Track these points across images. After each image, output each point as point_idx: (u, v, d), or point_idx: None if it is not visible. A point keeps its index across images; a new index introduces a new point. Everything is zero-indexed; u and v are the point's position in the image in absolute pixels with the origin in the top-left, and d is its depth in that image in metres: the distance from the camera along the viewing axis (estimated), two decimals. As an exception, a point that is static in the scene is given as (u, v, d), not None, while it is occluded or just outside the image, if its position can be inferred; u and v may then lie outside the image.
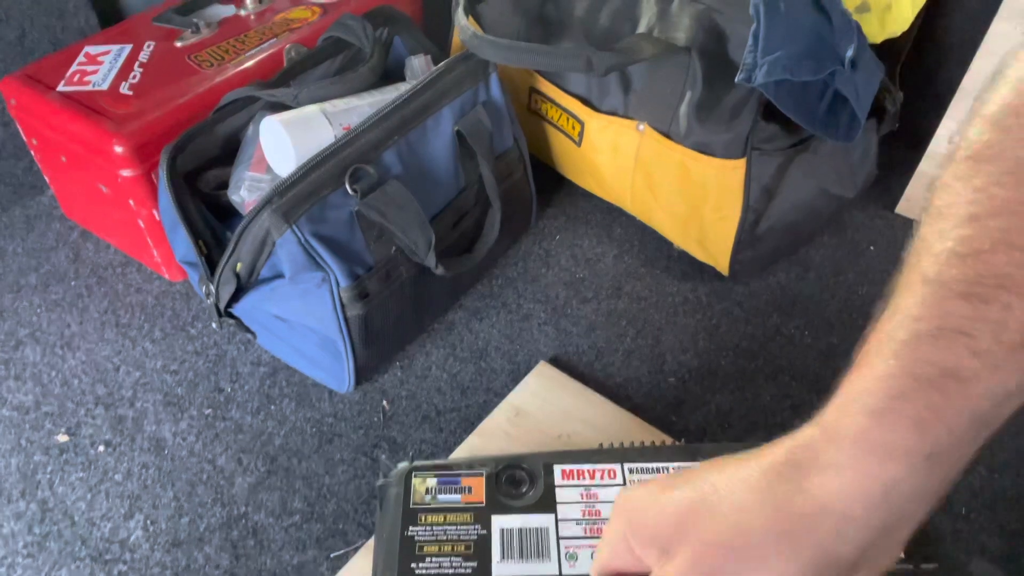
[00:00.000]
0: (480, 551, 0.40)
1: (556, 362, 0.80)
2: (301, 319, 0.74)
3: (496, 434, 0.72)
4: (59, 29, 0.98)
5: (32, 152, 0.93)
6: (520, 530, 0.40)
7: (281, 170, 0.74)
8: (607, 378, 0.79)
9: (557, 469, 0.45)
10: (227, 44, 0.91)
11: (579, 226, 0.96)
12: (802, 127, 0.75)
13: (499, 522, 0.41)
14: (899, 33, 0.83)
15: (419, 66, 0.84)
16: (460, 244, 0.82)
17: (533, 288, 0.88)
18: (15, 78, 0.86)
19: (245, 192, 0.75)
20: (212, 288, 0.75)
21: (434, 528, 0.41)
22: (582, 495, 0.43)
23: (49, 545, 0.68)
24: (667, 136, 0.81)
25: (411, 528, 0.41)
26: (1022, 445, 0.71)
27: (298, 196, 0.68)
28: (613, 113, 0.85)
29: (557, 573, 0.38)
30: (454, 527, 0.41)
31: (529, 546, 0.40)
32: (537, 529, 0.40)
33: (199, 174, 0.77)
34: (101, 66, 0.87)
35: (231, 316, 0.78)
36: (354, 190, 0.70)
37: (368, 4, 0.92)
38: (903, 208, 0.95)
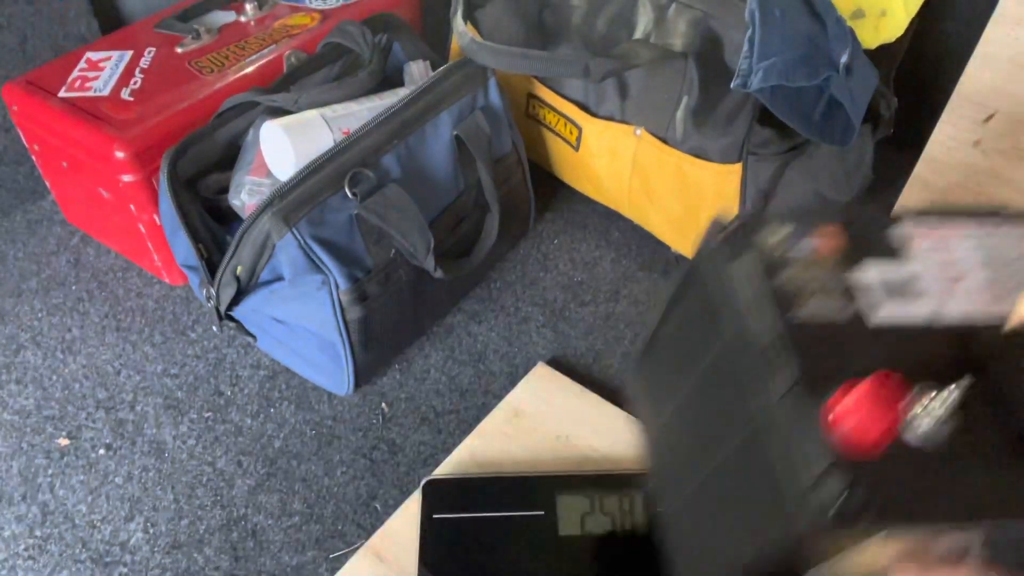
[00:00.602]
0: (852, 297, 0.38)
1: (554, 364, 0.80)
2: (300, 322, 0.75)
3: (495, 435, 0.72)
4: (60, 36, 0.98)
5: (33, 157, 0.93)
6: (887, 277, 0.39)
7: (281, 174, 0.74)
8: (605, 380, 0.79)
9: (907, 222, 0.44)
10: (227, 50, 0.92)
11: (577, 230, 0.96)
12: (797, 132, 0.75)
13: (865, 270, 0.39)
14: (894, 39, 0.84)
15: (418, 72, 0.85)
16: (459, 247, 0.82)
17: (531, 291, 0.89)
18: (16, 84, 0.87)
19: (245, 196, 0.75)
20: (213, 291, 0.75)
21: (799, 279, 0.38)
22: (937, 245, 0.42)
23: (50, 547, 0.68)
24: (664, 141, 0.81)
25: (773, 281, 0.38)
26: None
27: (298, 199, 0.68)
28: (610, 118, 0.86)
29: (934, 311, 0.38)
30: (819, 277, 0.38)
31: (900, 290, 0.39)
32: (903, 275, 0.40)
33: (199, 179, 0.78)
34: (102, 72, 0.88)
35: (231, 319, 0.78)
36: (354, 194, 0.70)
37: (367, 10, 0.93)
38: (899, 213, 0.95)
